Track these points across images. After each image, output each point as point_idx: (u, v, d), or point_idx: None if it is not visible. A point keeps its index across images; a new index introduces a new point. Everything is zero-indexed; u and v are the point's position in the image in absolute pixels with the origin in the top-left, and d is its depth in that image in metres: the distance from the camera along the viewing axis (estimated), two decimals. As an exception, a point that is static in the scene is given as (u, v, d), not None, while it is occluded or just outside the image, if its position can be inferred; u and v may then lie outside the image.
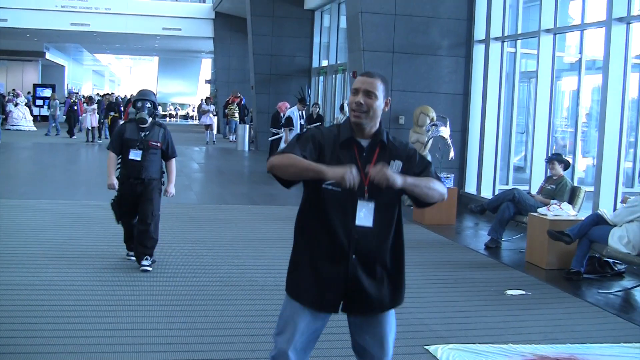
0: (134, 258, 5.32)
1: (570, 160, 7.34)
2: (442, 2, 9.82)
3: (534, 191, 7.39)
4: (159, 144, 5.24)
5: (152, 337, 3.80)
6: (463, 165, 9.94)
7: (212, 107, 20.90)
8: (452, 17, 9.88)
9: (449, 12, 9.86)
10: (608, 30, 7.13)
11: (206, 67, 40.45)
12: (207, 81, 35.54)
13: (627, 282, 5.65)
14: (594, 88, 9.27)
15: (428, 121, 8.99)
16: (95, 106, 18.81)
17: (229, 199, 9.69)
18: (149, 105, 5.24)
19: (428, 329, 4.18)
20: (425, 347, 3.81)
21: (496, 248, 6.79)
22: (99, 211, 7.28)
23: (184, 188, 9.67)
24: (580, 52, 8.28)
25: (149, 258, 5.22)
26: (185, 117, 40.74)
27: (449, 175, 8.46)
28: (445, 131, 8.54)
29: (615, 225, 5.47)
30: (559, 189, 6.63)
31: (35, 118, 25.69)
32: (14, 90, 26.68)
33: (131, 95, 24.79)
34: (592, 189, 7.30)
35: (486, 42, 9.60)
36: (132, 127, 5.26)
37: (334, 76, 16.19)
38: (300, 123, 12.17)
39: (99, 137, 19.32)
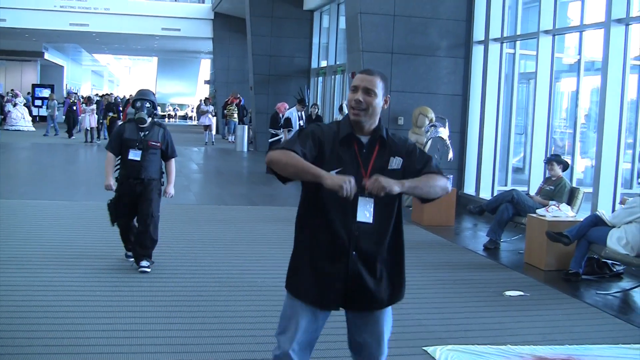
0: (132, 259, 5.31)
1: (569, 162, 7.35)
2: (441, 3, 9.83)
3: (532, 192, 7.40)
4: (158, 144, 5.21)
5: (151, 338, 3.80)
6: (462, 166, 9.95)
7: (211, 108, 20.90)
8: (451, 18, 9.89)
9: (448, 13, 9.86)
10: (607, 31, 7.14)
11: (205, 67, 40.44)
12: (206, 82, 35.53)
13: (625, 283, 5.65)
14: (593, 89, 9.28)
15: (427, 122, 9.00)
16: (94, 106, 18.80)
17: (228, 199, 9.68)
18: (148, 105, 5.20)
19: (426, 330, 4.18)
20: (424, 348, 3.81)
21: (495, 249, 6.79)
22: (98, 212, 7.26)
23: (182, 189, 9.67)
24: (579, 53, 8.29)
25: (147, 259, 5.21)
26: (184, 117, 40.75)
27: (448, 177, 8.44)
28: (444, 132, 8.54)
29: (613, 227, 5.48)
30: (557, 190, 6.64)
31: (34, 118, 25.67)
32: (12, 90, 26.66)
33: (130, 95, 24.77)
34: (591, 190, 7.31)
35: (485, 43, 9.61)
36: (131, 127, 5.22)
37: (333, 77, 16.20)
38: (300, 124, 12.16)
39: (98, 137, 19.31)
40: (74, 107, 20.59)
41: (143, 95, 5.28)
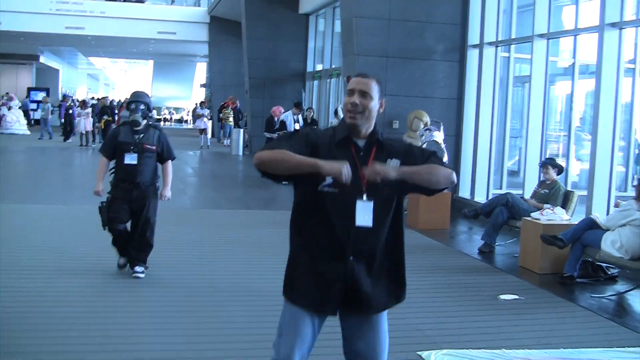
0: (125, 268, 5.20)
1: (564, 165, 7.36)
2: (437, 7, 9.84)
3: (527, 195, 7.40)
4: (154, 147, 5.10)
5: (145, 344, 3.78)
6: (457, 169, 9.95)
7: (206, 111, 20.87)
8: (446, 22, 9.91)
9: (443, 17, 9.88)
10: (601, 35, 7.16)
11: (201, 71, 40.44)
12: (202, 85, 35.54)
13: (620, 286, 5.66)
14: (587, 92, 9.31)
15: (422, 126, 9.01)
16: (89, 110, 18.74)
17: (223, 203, 9.66)
18: (142, 107, 5.08)
19: (421, 335, 4.17)
20: (418, 352, 3.80)
21: (490, 253, 6.79)
22: (93, 215, 7.23)
23: (178, 192, 9.63)
24: (574, 57, 8.32)
25: (142, 264, 5.15)
26: (180, 121, 40.71)
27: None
28: (439, 136, 8.55)
29: (608, 230, 5.49)
30: (552, 193, 6.65)
31: (29, 122, 25.58)
32: (7, 93, 26.57)
33: (125, 99, 24.71)
34: (585, 192, 7.32)
35: (480, 46, 9.63)
36: (125, 130, 5.11)
37: (328, 80, 16.20)
38: (295, 127, 12.16)
39: (93, 141, 19.26)
40: (70, 111, 20.52)
41: (137, 97, 5.17)
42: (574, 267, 5.64)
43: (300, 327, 2.39)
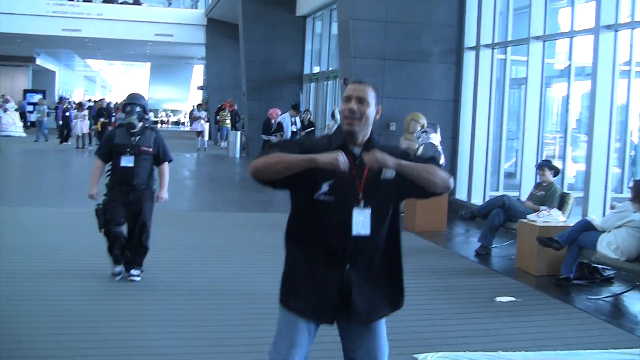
0: (120, 277, 5.14)
1: (560, 166, 7.38)
2: (433, 10, 9.86)
3: (524, 197, 7.42)
4: (150, 149, 5.07)
5: (141, 348, 3.78)
6: (454, 171, 9.95)
7: (203, 114, 20.86)
8: (443, 25, 9.92)
9: (440, 19, 9.90)
10: (596, 37, 7.19)
11: (198, 73, 40.42)
12: (199, 87, 35.52)
13: (616, 288, 5.67)
14: (583, 94, 9.34)
15: (419, 128, 9.02)
16: (86, 112, 18.70)
17: (220, 205, 9.66)
18: (138, 109, 5.06)
19: (418, 337, 4.17)
20: (415, 355, 3.80)
21: (486, 255, 6.80)
22: (89, 218, 7.22)
23: (174, 195, 9.59)
24: (570, 59, 8.34)
25: (138, 267, 5.14)
26: (177, 123, 40.68)
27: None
28: (435, 138, 8.57)
29: (604, 231, 5.50)
30: (548, 195, 6.66)
31: (26, 124, 25.52)
32: (3, 96, 26.52)
33: (122, 101, 24.65)
34: (581, 194, 7.34)
35: (477, 49, 9.65)
36: (121, 132, 5.08)
37: (325, 83, 16.21)
38: (293, 129, 12.16)
39: (90, 143, 19.23)
40: (67, 113, 20.48)
41: (133, 100, 5.14)
42: (570, 268, 5.65)
43: (296, 334, 2.38)
